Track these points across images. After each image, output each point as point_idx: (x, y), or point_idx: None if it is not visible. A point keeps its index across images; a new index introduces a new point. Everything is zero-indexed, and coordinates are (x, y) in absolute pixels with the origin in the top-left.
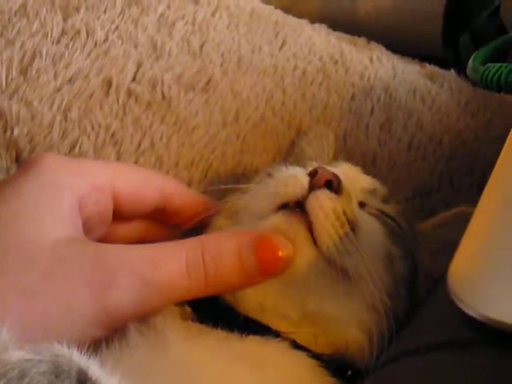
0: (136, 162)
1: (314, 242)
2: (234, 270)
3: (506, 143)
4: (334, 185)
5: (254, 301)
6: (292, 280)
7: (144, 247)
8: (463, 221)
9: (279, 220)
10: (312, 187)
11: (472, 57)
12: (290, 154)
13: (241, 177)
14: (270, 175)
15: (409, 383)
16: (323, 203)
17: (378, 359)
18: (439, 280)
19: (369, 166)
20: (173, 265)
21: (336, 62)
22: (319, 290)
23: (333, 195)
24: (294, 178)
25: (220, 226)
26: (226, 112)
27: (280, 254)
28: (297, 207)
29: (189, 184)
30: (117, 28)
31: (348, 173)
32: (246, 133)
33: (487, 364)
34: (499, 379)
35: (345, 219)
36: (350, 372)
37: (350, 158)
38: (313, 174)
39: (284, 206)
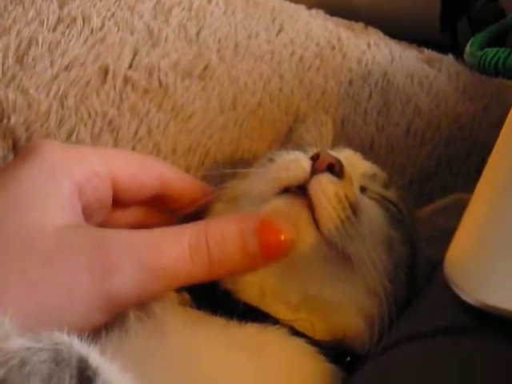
0: (133, 149)
1: (316, 225)
2: (237, 253)
3: (503, 128)
4: (336, 169)
5: (254, 285)
6: (293, 263)
7: (146, 232)
8: (460, 207)
9: (281, 203)
10: (314, 171)
11: (469, 42)
12: (287, 141)
13: (238, 163)
14: (271, 160)
15: (407, 369)
16: (325, 187)
17: (378, 345)
18: (437, 266)
19: (367, 151)
20: (175, 249)
21: (333, 47)
22: (320, 274)
23: (335, 179)
24: (295, 162)
25: (220, 211)
26: (223, 98)
27: (282, 237)
28: (299, 191)
29: (186, 171)
30: (113, 15)
31: (349, 158)
32: (244, 119)
33: (484, 350)
34: (496, 365)
35: (347, 203)
36: (348, 358)
37: (348, 143)
38: (315, 158)
39: (286, 190)
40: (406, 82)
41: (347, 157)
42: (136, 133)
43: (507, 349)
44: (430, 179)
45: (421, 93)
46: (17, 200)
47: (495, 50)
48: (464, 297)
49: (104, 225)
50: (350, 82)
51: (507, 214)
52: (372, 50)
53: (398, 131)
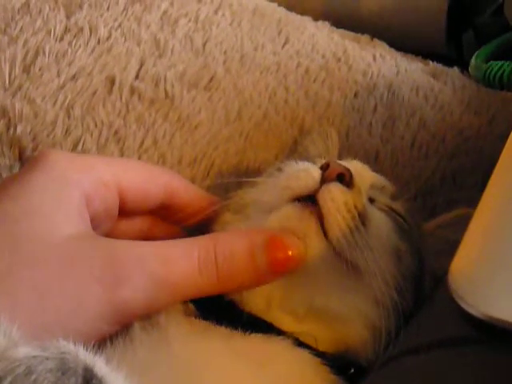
0: (139, 160)
1: (325, 234)
2: (246, 269)
3: (508, 141)
4: (345, 178)
5: (260, 295)
6: (301, 273)
7: (156, 244)
8: (465, 222)
9: (290, 212)
10: (324, 180)
11: (474, 55)
12: (293, 153)
13: (243, 174)
14: (279, 170)
15: (410, 382)
16: (335, 196)
17: (382, 356)
18: (441, 279)
19: (371, 163)
20: (185, 263)
21: (339, 59)
22: (328, 284)
23: (344, 188)
24: (305, 172)
25: (227, 220)
26: (228, 110)
27: (291, 253)
28: (308, 200)
29: (191, 182)
30: (120, 25)
31: (358, 169)
32: (249, 130)
33: (489, 362)
34: (501, 377)
35: (356, 213)
36: (352, 370)
37: (353, 155)
38: (324, 168)
39: (295, 199)
40: (411, 95)
41: (356, 168)
42: (142, 143)
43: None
44: (434, 192)
45: (426, 105)
46: (26, 210)
47: (500, 63)
48: (468, 309)
49: (110, 234)
50: (356, 95)
51: (510, 227)
52: (377, 63)
53: (402, 144)
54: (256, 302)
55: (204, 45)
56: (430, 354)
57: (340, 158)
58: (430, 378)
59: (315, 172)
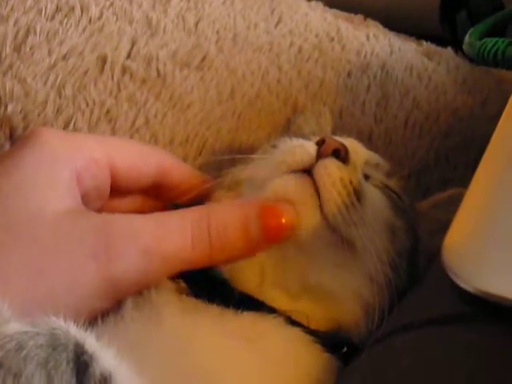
0: (131, 139)
1: (320, 209)
2: (239, 239)
3: (500, 121)
4: (341, 154)
5: (253, 272)
6: (295, 248)
7: (148, 217)
8: (459, 201)
9: (287, 180)
10: (320, 155)
11: (468, 32)
12: (286, 132)
13: (236, 153)
14: (274, 146)
15: (403, 358)
16: (331, 171)
17: (375, 334)
18: (435, 257)
19: (365, 142)
20: (177, 235)
21: (332, 38)
22: (322, 260)
23: (340, 164)
24: (301, 147)
25: (221, 197)
26: (221, 89)
27: (284, 220)
28: (304, 173)
29: (184, 161)
30: (111, 5)
31: (353, 145)
32: (242, 110)
33: (482, 338)
34: (494, 353)
35: (351, 188)
36: (345, 349)
37: (346, 134)
38: (320, 143)
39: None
40: (404, 75)
41: (351, 144)
42: (133, 123)
43: (505, 336)
44: (428, 171)
45: (419, 85)
46: (19, 187)
47: (494, 39)
48: (461, 284)
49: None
50: (349, 74)
51: (504, 202)
52: (371, 42)
53: (396, 123)
54: (249, 279)
55: (196, 24)
56: (422, 331)
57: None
58: (421, 356)
59: (311, 147)
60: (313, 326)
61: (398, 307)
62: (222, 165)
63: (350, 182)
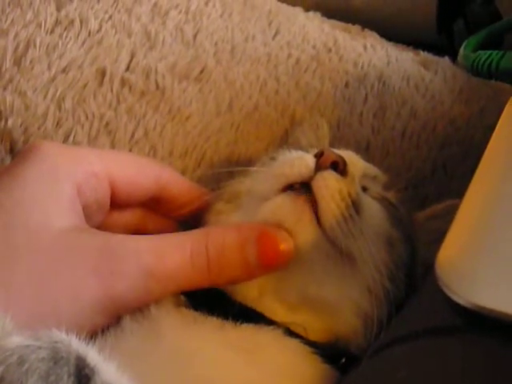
0: (130, 152)
1: (319, 222)
2: (237, 263)
3: (495, 131)
4: (339, 166)
5: (253, 284)
6: (295, 261)
7: (150, 238)
8: (455, 213)
9: (283, 201)
10: (318, 168)
11: (463, 44)
12: (284, 144)
13: (235, 165)
14: (273, 158)
15: (399, 370)
16: (329, 183)
17: (373, 345)
18: (430, 268)
19: (362, 154)
20: (177, 256)
21: (330, 49)
22: (321, 272)
23: (338, 176)
24: (299, 159)
25: (220, 210)
26: (219, 101)
27: (281, 247)
28: (302, 188)
29: (182, 173)
30: (110, 17)
31: (350, 158)
32: (240, 122)
33: (474, 351)
34: (487, 365)
35: (349, 201)
36: (343, 360)
37: (343, 146)
38: (319, 155)
39: (289, 187)
40: (401, 85)
41: (349, 156)
42: (133, 135)
43: (498, 349)
44: (425, 182)
45: (417, 95)
46: (21, 202)
47: (488, 52)
48: (454, 298)
49: (102, 226)
50: (347, 85)
51: (498, 216)
52: (368, 53)
53: (393, 134)
54: (248, 291)
55: (195, 36)
56: (418, 342)
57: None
58: (417, 367)
59: (309, 160)
60: (311, 338)
61: (396, 318)
62: (220, 177)
63: (349, 194)
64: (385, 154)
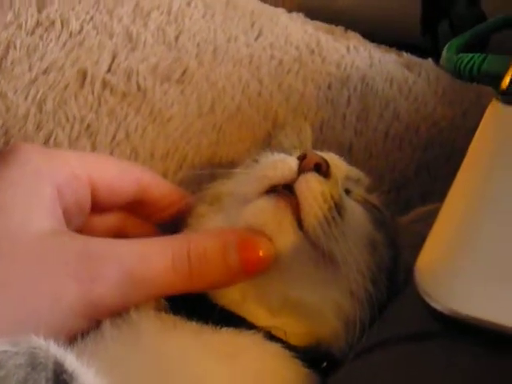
0: (111, 154)
1: (301, 225)
2: (218, 268)
3: (475, 136)
4: (322, 168)
5: (235, 288)
6: (276, 265)
7: (131, 242)
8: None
9: (265, 203)
10: (301, 170)
11: (446, 46)
12: (266, 146)
13: (217, 167)
14: (256, 161)
15: (379, 375)
16: (312, 185)
17: (354, 349)
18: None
19: (345, 156)
20: (159, 260)
21: (312, 51)
22: (303, 276)
23: (321, 178)
24: (282, 162)
25: (202, 212)
26: (201, 103)
27: (261, 253)
28: (285, 190)
29: (164, 175)
30: (91, 19)
31: (334, 160)
32: (222, 123)
33: (452, 356)
34: (467, 370)
35: (332, 203)
36: (325, 364)
37: (326, 148)
38: (302, 158)
39: (272, 190)
40: (384, 86)
41: (332, 159)
42: (114, 137)
43: (476, 355)
44: (409, 184)
45: (400, 97)
46: (1, 206)
47: (471, 55)
48: (433, 304)
49: (82, 230)
50: (329, 86)
51: (476, 222)
52: (351, 54)
53: (376, 136)
54: (230, 295)
55: (176, 37)
56: (398, 347)
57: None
58: (397, 372)
59: (292, 162)
60: (292, 341)
61: (378, 322)
62: (202, 179)
63: (331, 197)
64: (368, 155)
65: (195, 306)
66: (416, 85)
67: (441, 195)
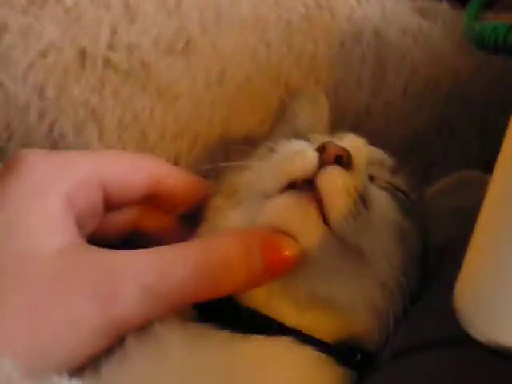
0: (119, 139)
1: (326, 221)
2: (242, 272)
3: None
4: (344, 160)
5: (260, 288)
6: (303, 262)
7: (149, 253)
8: (465, 186)
9: (288, 201)
10: (322, 164)
11: (465, 11)
12: (280, 118)
13: (230, 144)
14: (272, 150)
15: (419, 380)
16: (334, 180)
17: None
18: (445, 250)
19: (363, 119)
20: (180, 272)
21: (321, 6)
22: (331, 271)
23: (344, 171)
24: (301, 155)
25: (219, 206)
26: (208, 73)
27: (286, 254)
28: (306, 185)
29: (176, 158)
30: None
31: (354, 145)
32: (232, 95)
33: (489, 362)
34: (500, 376)
35: (357, 196)
36: (359, 356)
37: (342, 112)
38: (321, 150)
39: (291, 185)
40: (399, 39)
41: (352, 144)
42: (121, 120)
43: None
44: (430, 144)
45: (416, 49)
46: (8, 223)
47: (494, 24)
48: (474, 335)
49: (98, 230)
50: (342, 44)
51: None
52: (362, 5)
53: (394, 94)
54: (256, 295)
55: (177, 3)
56: (438, 351)
57: (331, 120)
58: (437, 377)
59: (312, 155)
60: (324, 339)
61: (412, 320)
62: (215, 158)
63: (355, 189)
64: (386, 117)
65: (222, 309)
66: (432, 33)
67: (462, 154)
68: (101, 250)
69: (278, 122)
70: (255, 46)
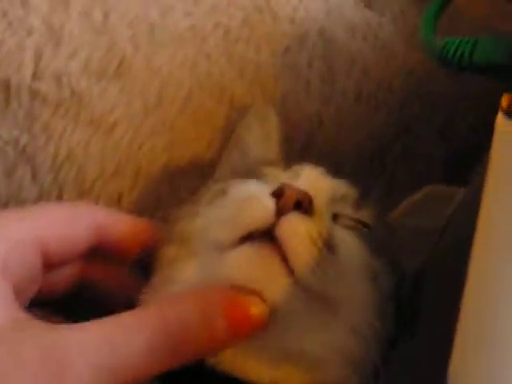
0: (55, 179)
1: (291, 272)
2: (204, 338)
3: (488, 181)
4: (304, 205)
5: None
6: (271, 318)
7: (99, 325)
8: (431, 202)
9: (248, 254)
10: (280, 211)
11: (421, 24)
12: (227, 140)
13: (175, 174)
14: (223, 192)
15: None
16: (296, 228)
17: None
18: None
19: (315, 129)
20: (135, 343)
21: (261, 9)
22: (300, 326)
23: (305, 217)
24: (257, 201)
25: (173, 256)
26: (146, 96)
27: (252, 311)
28: (264, 236)
29: (119, 197)
30: (5, 15)
31: (313, 179)
32: (173, 118)
33: None
34: None
35: (321, 242)
36: None
37: (292, 124)
38: (278, 194)
39: (249, 235)
40: (347, 37)
41: (311, 178)
42: (55, 158)
43: None
44: (390, 149)
45: (365, 47)
46: None
47: (457, 40)
48: None
49: (40, 291)
50: (286, 49)
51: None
52: (304, 3)
53: (346, 98)
54: (224, 353)
55: (104, 19)
56: None
57: (281, 136)
58: None
59: (268, 202)
60: None
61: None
62: (160, 194)
63: (319, 234)
64: (340, 124)
65: (190, 374)
66: (382, 28)
67: (424, 157)
68: (45, 325)
69: (226, 149)
70: (194, 59)
